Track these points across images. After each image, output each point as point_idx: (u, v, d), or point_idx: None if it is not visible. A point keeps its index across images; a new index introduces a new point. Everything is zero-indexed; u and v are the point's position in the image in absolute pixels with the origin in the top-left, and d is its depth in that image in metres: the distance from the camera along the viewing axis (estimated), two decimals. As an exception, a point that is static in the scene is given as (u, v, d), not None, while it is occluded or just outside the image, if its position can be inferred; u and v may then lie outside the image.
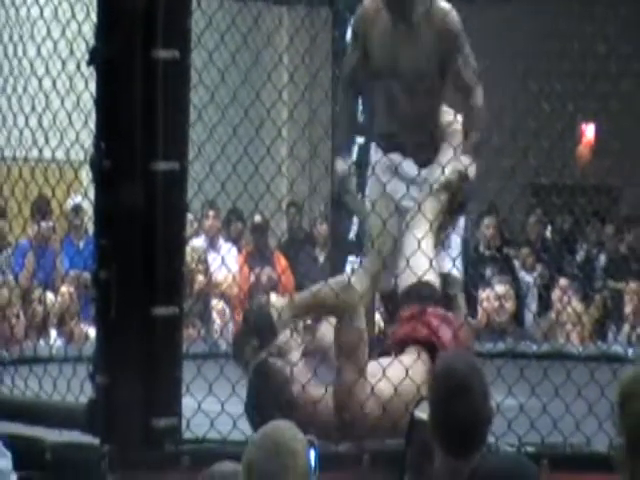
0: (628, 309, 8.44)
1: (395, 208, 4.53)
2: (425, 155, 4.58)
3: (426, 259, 4.32)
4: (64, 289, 7.59)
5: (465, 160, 4.47)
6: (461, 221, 4.70)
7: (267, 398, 4.00)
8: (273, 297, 6.84)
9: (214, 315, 7.92)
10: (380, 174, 4.59)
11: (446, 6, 4.46)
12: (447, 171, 4.45)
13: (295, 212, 9.44)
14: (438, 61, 4.44)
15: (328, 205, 8.01)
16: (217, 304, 7.95)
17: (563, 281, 8.69)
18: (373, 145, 4.76)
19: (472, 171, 4.53)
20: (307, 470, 2.56)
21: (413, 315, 4.36)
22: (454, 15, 4.45)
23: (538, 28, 8.81)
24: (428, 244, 4.42)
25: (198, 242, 8.39)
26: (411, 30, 4.41)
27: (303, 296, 4.37)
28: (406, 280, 4.42)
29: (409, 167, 4.59)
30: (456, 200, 4.53)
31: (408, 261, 4.30)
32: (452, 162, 4.46)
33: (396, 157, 4.62)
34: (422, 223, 4.41)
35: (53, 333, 7.58)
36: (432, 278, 4.43)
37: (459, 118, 4.61)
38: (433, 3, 4.43)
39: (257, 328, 4.14)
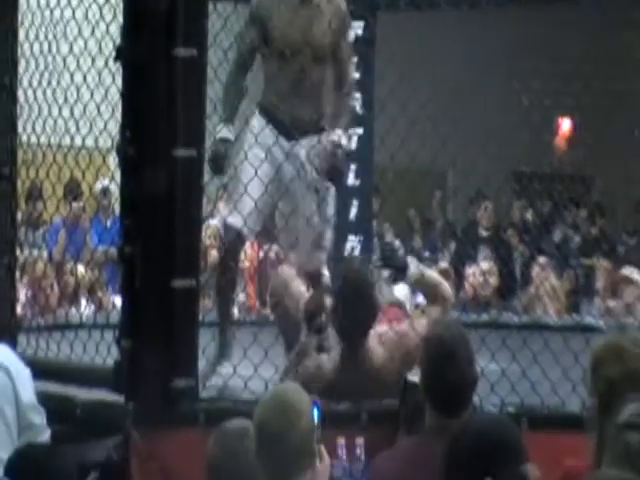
0: (599, 284, 8.42)
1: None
2: (305, 128, 4.47)
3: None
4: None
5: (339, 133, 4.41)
6: (330, 209, 4.53)
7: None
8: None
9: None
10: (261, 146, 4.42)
11: None
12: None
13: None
14: (332, 38, 4.44)
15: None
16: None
17: (542, 259, 8.68)
18: (258, 115, 4.50)
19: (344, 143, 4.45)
20: (311, 427, 2.55)
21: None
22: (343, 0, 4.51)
23: (519, 33, 8.78)
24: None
25: (214, 222, 8.37)
26: (313, 9, 4.42)
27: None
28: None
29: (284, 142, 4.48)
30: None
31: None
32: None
33: (273, 133, 4.45)
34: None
35: (83, 302, 7.57)
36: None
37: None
38: None
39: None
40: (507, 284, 8.37)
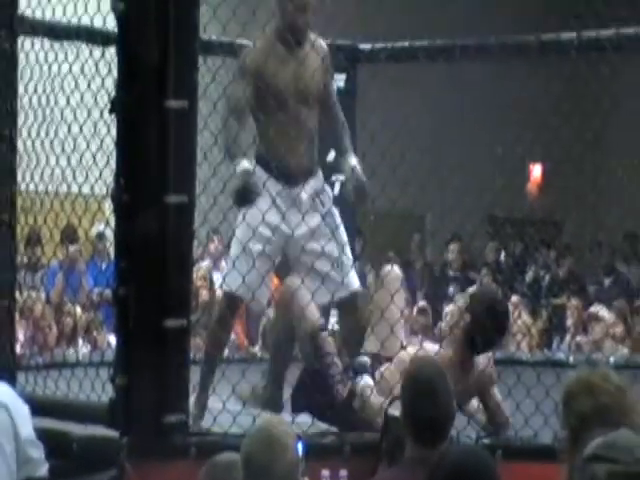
0: (569, 322, 8.43)
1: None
2: (305, 174, 4.43)
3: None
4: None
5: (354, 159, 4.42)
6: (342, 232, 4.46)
7: None
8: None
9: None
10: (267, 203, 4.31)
11: (315, 35, 4.50)
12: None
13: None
14: (321, 82, 4.44)
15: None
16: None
17: (514, 298, 8.69)
18: (257, 168, 4.34)
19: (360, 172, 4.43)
20: (296, 460, 2.55)
21: None
22: (321, 41, 4.51)
23: (492, 86, 8.85)
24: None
25: (204, 263, 8.38)
26: (300, 56, 4.41)
27: None
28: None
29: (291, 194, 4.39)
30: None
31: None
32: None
33: (276, 182, 4.35)
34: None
35: (80, 341, 7.54)
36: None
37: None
38: (315, 35, 4.50)
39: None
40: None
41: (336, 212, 4.50)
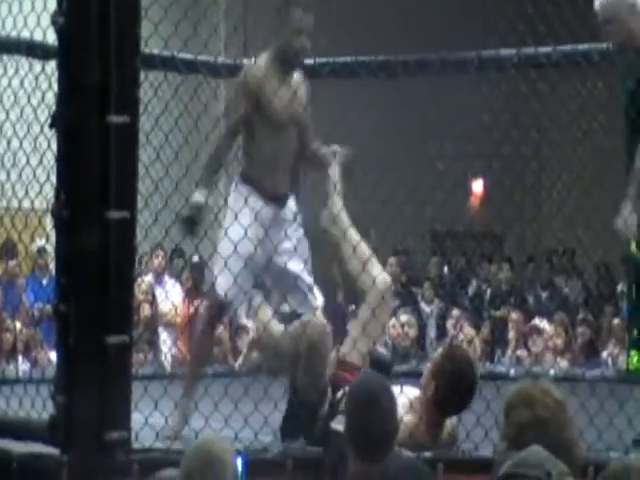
0: (511, 335, 8.50)
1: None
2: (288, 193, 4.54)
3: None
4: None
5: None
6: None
7: None
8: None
9: (160, 342, 7.85)
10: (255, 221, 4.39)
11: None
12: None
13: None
14: (305, 104, 4.52)
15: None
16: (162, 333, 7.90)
17: (456, 312, 8.75)
18: (240, 185, 4.44)
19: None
20: (235, 476, 2.54)
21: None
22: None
23: (433, 101, 8.91)
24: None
25: (147, 278, 8.34)
26: (292, 80, 4.49)
27: None
28: None
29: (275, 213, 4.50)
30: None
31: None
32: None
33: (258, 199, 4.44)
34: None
35: (20, 358, 7.45)
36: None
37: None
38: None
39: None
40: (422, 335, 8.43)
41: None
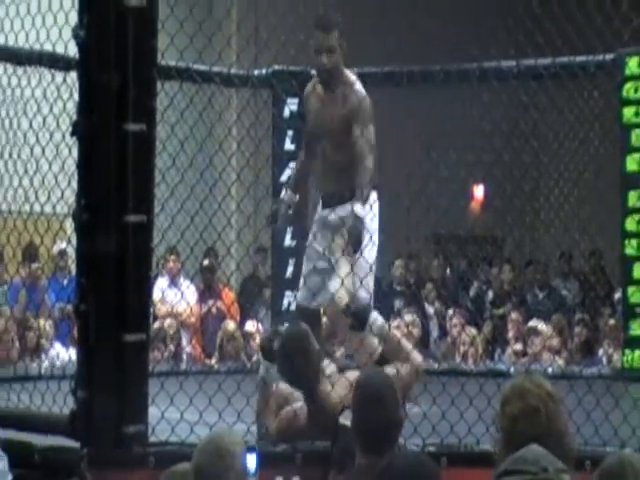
0: (510, 334, 8.48)
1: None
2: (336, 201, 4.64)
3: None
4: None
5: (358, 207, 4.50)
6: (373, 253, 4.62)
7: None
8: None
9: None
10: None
11: (354, 82, 4.60)
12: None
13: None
14: (344, 121, 4.54)
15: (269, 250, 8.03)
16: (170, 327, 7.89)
17: (458, 312, 8.73)
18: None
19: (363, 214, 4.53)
20: (245, 469, 2.54)
21: None
22: (358, 89, 4.58)
23: (437, 110, 8.91)
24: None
25: (162, 281, 8.34)
26: (332, 97, 4.59)
27: None
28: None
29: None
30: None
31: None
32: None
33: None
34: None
35: (43, 356, 7.45)
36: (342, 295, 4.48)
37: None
38: (347, 79, 4.60)
39: None
40: (427, 334, 8.41)
41: None
